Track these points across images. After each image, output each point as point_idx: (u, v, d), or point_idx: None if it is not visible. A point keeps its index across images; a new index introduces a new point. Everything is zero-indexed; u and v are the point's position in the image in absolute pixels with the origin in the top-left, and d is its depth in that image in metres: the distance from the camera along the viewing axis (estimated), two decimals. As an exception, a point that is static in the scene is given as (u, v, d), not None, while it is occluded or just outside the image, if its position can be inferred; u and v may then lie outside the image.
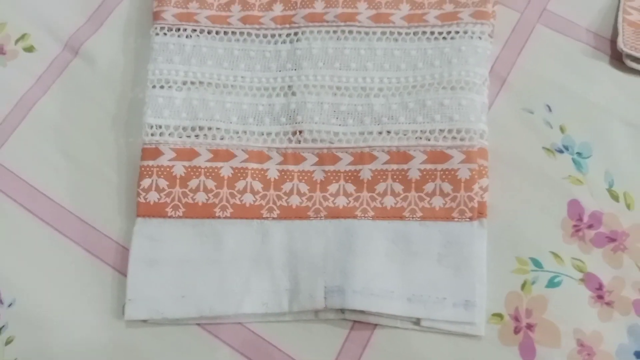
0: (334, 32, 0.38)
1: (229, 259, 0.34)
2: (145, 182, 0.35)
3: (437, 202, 0.34)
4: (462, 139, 0.34)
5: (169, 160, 0.35)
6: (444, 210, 0.34)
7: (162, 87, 0.37)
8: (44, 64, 0.40)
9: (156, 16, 0.38)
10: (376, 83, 0.36)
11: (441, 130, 0.34)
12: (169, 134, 0.36)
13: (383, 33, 0.37)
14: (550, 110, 0.37)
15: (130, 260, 0.34)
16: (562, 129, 0.37)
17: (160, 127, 0.36)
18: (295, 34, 0.38)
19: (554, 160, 0.36)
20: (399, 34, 0.37)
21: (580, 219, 0.35)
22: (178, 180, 0.35)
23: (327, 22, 0.38)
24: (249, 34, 0.38)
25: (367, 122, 0.36)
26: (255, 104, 0.37)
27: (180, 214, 0.35)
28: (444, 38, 0.37)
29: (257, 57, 0.38)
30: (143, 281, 0.33)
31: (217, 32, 0.38)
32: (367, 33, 0.37)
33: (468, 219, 0.33)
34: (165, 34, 0.38)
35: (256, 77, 0.37)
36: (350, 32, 0.38)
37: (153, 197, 0.35)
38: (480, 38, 0.36)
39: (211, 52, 0.38)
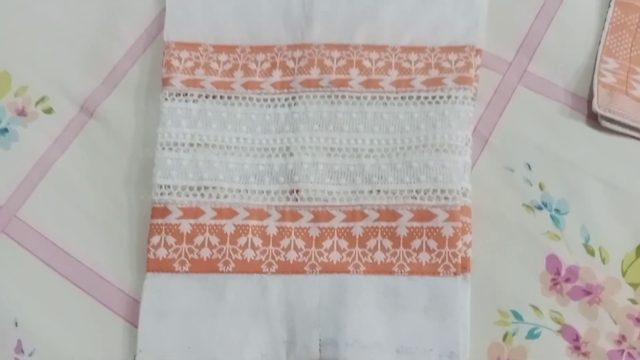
0: (328, 96, 0.41)
1: (231, 311, 0.37)
2: (155, 239, 0.38)
3: (424, 257, 0.37)
4: (445, 198, 0.37)
5: (177, 218, 0.38)
6: (430, 265, 0.36)
7: (170, 149, 0.40)
8: (62, 125, 0.44)
9: (165, 82, 0.42)
10: (367, 144, 0.39)
11: (426, 190, 0.37)
12: (177, 194, 0.39)
13: (373, 97, 0.40)
14: (530, 168, 0.40)
15: (141, 313, 0.37)
16: (541, 187, 0.39)
17: (169, 187, 0.39)
18: (293, 98, 0.41)
19: (533, 217, 0.39)
20: (388, 98, 0.40)
21: (558, 273, 0.37)
22: (185, 237, 0.38)
23: (322, 87, 0.41)
24: (250, 99, 0.41)
25: (359, 181, 0.39)
26: (256, 164, 0.40)
27: (187, 269, 0.38)
28: (429, 102, 0.40)
29: (258, 120, 0.41)
30: (153, 333, 0.36)
31: (221, 97, 0.42)
32: (358, 97, 0.41)
33: (452, 274, 0.36)
34: (173, 99, 0.41)
35: (257, 138, 0.41)
36: (343, 96, 0.41)
37: (162, 253, 0.38)
38: (463, 102, 0.39)
39: (216, 116, 0.41)
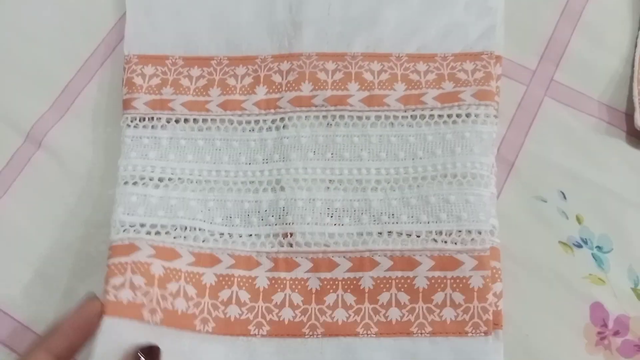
0: (324, 117, 0.34)
1: None
2: (116, 280, 0.29)
3: (448, 314, 0.30)
4: (472, 241, 0.30)
5: (148, 256, 0.30)
6: (456, 324, 0.30)
7: (135, 183, 0.33)
8: (4, 159, 0.36)
9: (126, 105, 0.35)
10: (373, 175, 0.33)
11: (449, 232, 0.31)
12: (146, 232, 0.31)
13: (377, 117, 0.34)
14: (564, 197, 0.34)
15: None
16: (578, 220, 0.33)
17: (134, 225, 0.31)
18: (282, 119, 0.34)
19: (572, 257, 0.32)
20: (395, 117, 0.34)
21: (605, 325, 0.31)
22: (156, 280, 0.30)
23: (316, 106, 0.34)
24: (230, 122, 0.34)
25: (365, 220, 0.32)
26: (240, 200, 0.33)
27: (158, 321, 0.30)
28: (445, 122, 0.33)
29: (241, 147, 0.34)
30: None
31: (194, 121, 0.34)
32: (359, 118, 0.34)
33: (483, 334, 0.30)
34: (137, 125, 0.34)
35: (241, 170, 0.34)
36: (342, 117, 0.34)
37: (126, 295, 0.29)
38: (485, 122, 0.33)
39: (190, 145, 0.34)
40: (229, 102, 0.35)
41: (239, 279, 0.31)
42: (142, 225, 0.32)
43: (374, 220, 0.32)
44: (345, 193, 0.33)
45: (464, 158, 0.32)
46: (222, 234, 0.32)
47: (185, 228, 0.32)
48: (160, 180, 0.33)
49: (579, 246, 0.33)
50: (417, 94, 0.34)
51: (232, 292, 0.31)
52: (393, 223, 0.32)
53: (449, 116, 0.33)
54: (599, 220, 0.33)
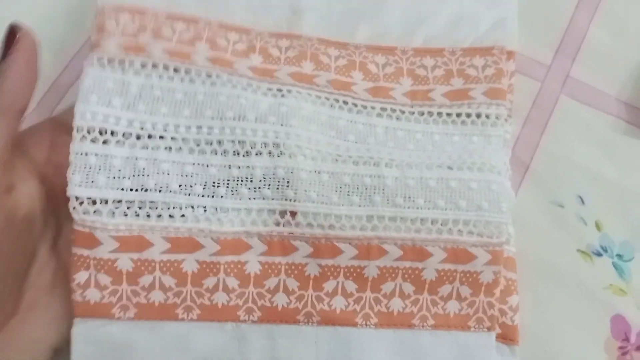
0: (326, 98, 0.30)
1: None
2: (81, 277, 0.27)
3: (452, 307, 0.28)
4: (489, 234, 0.28)
5: (111, 252, 0.27)
6: (459, 317, 0.28)
7: (94, 140, 0.27)
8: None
9: (95, 46, 0.28)
10: (384, 154, 0.29)
11: (466, 222, 0.28)
12: (108, 213, 0.27)
13: (383, 109, 0.31)
14: (582, 202, 0.32)
15: None
16: (598, 226, 0.31)
17: (94, 202, 0.27)
18: (280, 90, 0.30)
19: (592, 266, 0.31)
20: (402, 112, 0.31)
21: (627, 339, 0.29)
22: (125, 277, 0.27)
23: (318, 85, 0.30)
24: (218, 76, 0.29)
25: (378, 201, 0.28)
26: (227, 164, 0.28)
27: (132, 315, 0.27)
28: (454, 122, 0.31)
29: (230, 102, 0.28)
30: None
31: (176, 70, 0.29)
32: (364, 107, 0.31)
33: (486, 329, 0.28)
34: (103, 66, 0.28)
35: (228, 127, 0.28)
36: (345, 102, 0.30)
37: (94, 296, 0.27)
38: (495, 123, 0.30)
39: (167, 97, 0.28)
40: (219, 59, 0.29)
41: (225, 266, 0.28)
42: (104, 202, 0.27)
43: (388, 202, 0.28)
44: (356, 167, 0.28)
45: (480, 153, 0.30)
46: (203, 207, 0.27)
47: (157, 204, 0.27)
48: (126, 136, 0.27)
49: (599, 255, 0.31)
50: (424, 90, 0.32)
51: (218, 279, 0.28)
52: (408, 207, 0.28)
53: (458, 115, 0.31)
54: (620, 225, 0.31)
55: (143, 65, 0.28)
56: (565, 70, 0.35)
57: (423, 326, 0.28)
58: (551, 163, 0.33)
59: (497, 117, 0.31)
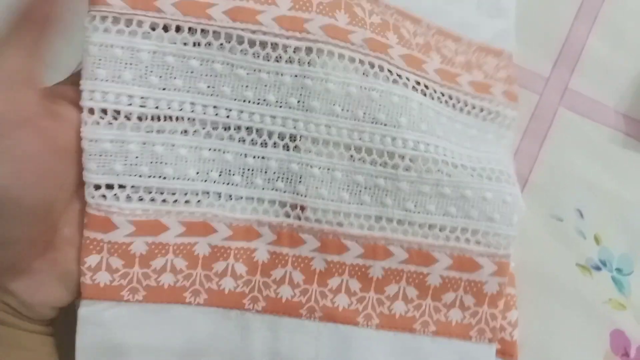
0: (360, 62, 0.27)
1: (200, 354, 0.27)
2: (92, 260, 0.26)
3: (455, 315, 0.28)
4: (497, 245, 0.28)
5: (126, 235, 0.26)
6: (461, 326, 0.28)
7: (110, 123, 0.25)
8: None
9: (94, 1, 0.25)
10: (409, 149, 0.27)
11: (475, 231, 0.28)
12: (126, 199, 0.26)
13: (418, 83, 0.29)
14: (581, 216, 0.32)
15: (77, 353, 0.26)
16: (597, 240, 0.31)
17: (112, 187, 0.26)
18: (308, 50, 0.27)
19: (591, 280, 0.31)
20: (435, 91, 0.29)
21: (627, 354, 0.29)
22: (137, 260, 0.27)
23: (353, 44, 0.27)
24: (238, 39, 0.26)
25: (389, 203, 0.28)
26: (243, 153, 0.27)
27: (140, 298, 0.27)
28: (475, 115, 0.30)
29: (250, 79, 0.26)
30: None
31: (190, 31, 0.26)
32: (400, 76, 0.28)
33: (487, 341, 0.28)
34: (107, 28, 0.25)
35: (247, 111, 0.27)
36: (381, 68, 0.28)
37: (104, 278, 0.26)
38: (509, 126, 0.31)
39: (181, 65, 0.26)
40: (240, 11, 0.26)
41: (235, 251, 0.28)
42: (122, 187, 0.26)
43: (399, 206, 0.28)
44: (372, 166, 0.28)
45: (492, 161, 0.29)
46: (218, 194, 0.27)
47: (174, 192, 0.26)
48: (141, 119, 0.25)
49: (598, 269, 0.31)
50: (452, 73, 0.30)
51: (227, 264, 0.28)
52: (419, 212, 0.28)
53: (481, 110, 0.30)
54: (619, 238, 0.31)
55: (153, 28, 0.25)
56: (564, 82, 0.35)
57: (424, 332, 0.28)
58: (550, 176, 0.33)
59: (512, 121, 0.31)
